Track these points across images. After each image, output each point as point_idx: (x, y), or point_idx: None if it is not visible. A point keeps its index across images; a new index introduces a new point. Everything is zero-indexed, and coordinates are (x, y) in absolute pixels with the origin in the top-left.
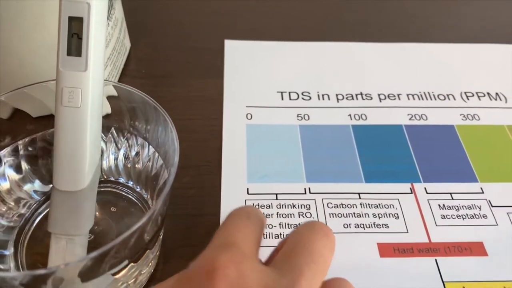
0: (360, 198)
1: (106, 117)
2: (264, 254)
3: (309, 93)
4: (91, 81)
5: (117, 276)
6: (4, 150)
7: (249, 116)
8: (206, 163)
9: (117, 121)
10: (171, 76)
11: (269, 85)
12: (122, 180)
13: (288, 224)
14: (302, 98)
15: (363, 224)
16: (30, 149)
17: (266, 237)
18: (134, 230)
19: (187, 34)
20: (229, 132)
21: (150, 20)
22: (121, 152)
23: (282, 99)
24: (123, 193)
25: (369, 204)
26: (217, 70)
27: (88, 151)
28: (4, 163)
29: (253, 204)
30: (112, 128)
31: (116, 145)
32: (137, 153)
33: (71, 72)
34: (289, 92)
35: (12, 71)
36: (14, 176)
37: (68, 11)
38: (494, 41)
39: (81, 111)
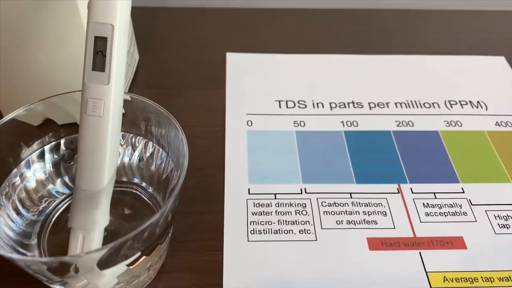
0: (351, 197)
1: (125, 124)
2: (266, 247)
3: (304, 101)
4: (113, 93)
5: (131, 267)
6: (33, 154)
7: (249, 123)
8: (210, 166)
9: (135, 127)
10: (177, 86)
11: (268, 94)
12: (136, 180)
13: (286, 221)
14: (298, 106)
15: (354, 221)
16: (54, 153)
17: (267, 233)
18: (148, 225)
19: (191, 47)
20: (231, 138)
21: (157, 35)
22: (136, 155)
23: (280, 107)
24: (137, 193)
25: (359, 203)
26: (219, 81)
27: (108, 155)
28: (33, 166)
29: (254, 203)
30: (130, 133)
31: (132, 148)
32: (151, 156)
33: (95, 85)
34: (286, 101)
35: (34, 82)
36: (41, 177)
37: (94, 31)
38: (476, 53)
39: (103, 120)
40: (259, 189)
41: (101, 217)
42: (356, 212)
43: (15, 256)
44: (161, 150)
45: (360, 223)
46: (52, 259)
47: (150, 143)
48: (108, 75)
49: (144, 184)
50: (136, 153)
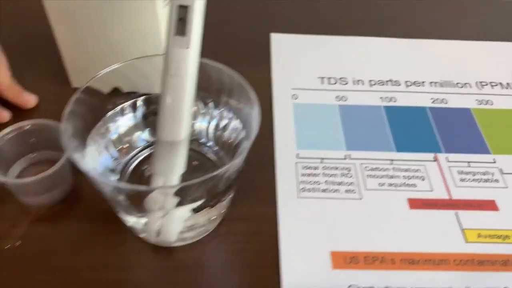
0: (392, 163)
1: (206, 91)
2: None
3: (345, 78)
4: (192, 56)
5: (196, 213)
6: (126, 103)
7: (294, 97)
8: (261, 133)
9: (215, 95)
10: (228, 64)
11: (311, 71)
12: (210, 144)
13: (332, 182)
14: (340, 83)
15: (395, 184)
16: (137, 109)
17: (315, 191)
18: (215, 174)
19: (240, 28)
20: (279, 110)
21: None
22: (214, 121)
23: (322, 83)
24: (207, 155)
25: (399, 168)
26: (264, 58)
27: (186, 110)
28: (125, 114)
29: (302, 165)
30: (211, 101)
31: (211, 114)
32: (227, 124)
33: (178, 49)
34: (328, 78)
35: (106, 53)
36: (130, 123)
37: (178, 0)
38: (507, 39)
39: (184, 79)
40: (306, 154)
41: (179, 164)
42: (396, 176)
43: (112, 182)
44: (233, 116)
45: (400, 186)
46: (140, 186)
47: (224, 110)
48: (188, 40)
49: (216, 148)
50: (215, 120)
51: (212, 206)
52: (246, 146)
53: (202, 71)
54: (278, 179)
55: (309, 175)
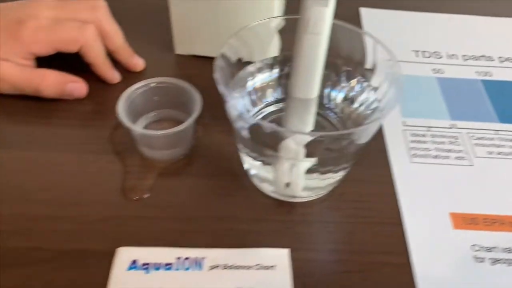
0: (498, 134)
1: (346, 60)
2: (427, 168)
3: (439, 53)
4: (329, 14)
5: (321, 169)
6: (264, 62)
7: None
8: None
9: (352, 64)
10: None
11: (404, 45)
12: (335, 111)
13: (442, 149)
14: (434, 57)
15: (503, 152)
16: (271, 68)
17: (426, 157)
18: (344, 133)
19: None
20: None
21: None
22: (344, 91)
23: (417, 56)
24: (329, 119)
25: (506, 138)
26: None
27: (319, 68)
28: (262, 72)
29: (410, 133)
30: (345, 70)
31: (341, 83)
32: (356, 95)
33: (316, 7)
34: (422, 51)
35: (219, 18)
36: (265, 79)
37: None
38: None
39: (320, 38)
40: (413, 122)
41: (311, 120)
42: (503, 145)
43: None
44: (368, 90)
45: (509, 155)
46: (282, 129)
47: (361, 83)
48: None
49: (339, 114)
50: (345, 90)
51: (335, 172)
52: (382, 115)
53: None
54: (388, 145)
55: (418, 142)
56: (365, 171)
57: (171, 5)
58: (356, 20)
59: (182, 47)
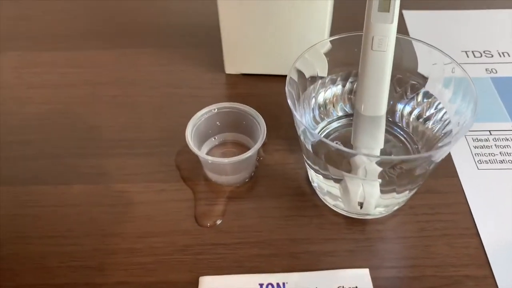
0: None
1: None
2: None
3: (489, 51)
4: (394, 31)
5: (395, 188)
6: (336, 74)
7: None
8: None
9: (430, 86)
10: None
11: (452, 45)
12: (401, 125)
13: (507, 153)
14: (485, 56)
15: None
16: (337, 83)
17: (493, 162)
18: (420, 157)
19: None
20: None
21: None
22: (418, 109)
23: (468, 57)
24: (402, 138)
25: None
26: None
27: (387, 85)
28: (336, 85)
29: (472, 138)
30: (422, 89)
31: (417, 100)
32: (432, 114)
33: (381, 24)
34: (472, 51)
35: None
36: (337, 92)
37: None
38: None
39: (386, 54)
40: (473, 126)
41: (382, 137)
42: None
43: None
44: (445, 111)
45: None
46: (354, 151)
47: (436, 102)
48: (392, 15)
49: (413, 138)
50: (419, 107)
51: (411, 190)
52: (457, 137)
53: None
54: (452, 152)
55: (481, 147)
56: (432, 181)
57: (222, 25)
58: (401, 24)
59: (232, 66)
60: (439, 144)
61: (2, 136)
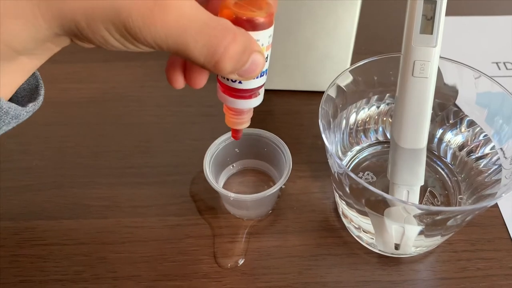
0: None
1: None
2: None
3: None
4: (437, 56)
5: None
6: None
7: (476, 86)
8: None
9: (475, 114)
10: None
11: (482, 56)
12: (444, 159)
13: None
14: None
15: None
16: (371, 106)
17: None
18: (478, 208)
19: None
20: None
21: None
22: (461, 137)
23: (499, 69)
24: (439, 169)
25: None
26: None
27: (429, 114)
28: (372, 105)
29: (508, 162)
30: (467, 118)
31: (461, 130)
32: (477, 146)
33: (423, 48)
34: (504, 63)
35: (296, 50)
36: (373, 112)
37: None
38: None
39: (428, 81)
40: (510, 149)
41: (422, 172)
42: None
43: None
44: (493, 144)
45: None
46: (393, 198)
47: (483, 133)
48: (435, 38)
49: (451, 166)
50: (463, 135)
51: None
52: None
53: None
54: None
55: None
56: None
57: None
58: None
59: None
60: (488, 192)
61: (1, 163)
